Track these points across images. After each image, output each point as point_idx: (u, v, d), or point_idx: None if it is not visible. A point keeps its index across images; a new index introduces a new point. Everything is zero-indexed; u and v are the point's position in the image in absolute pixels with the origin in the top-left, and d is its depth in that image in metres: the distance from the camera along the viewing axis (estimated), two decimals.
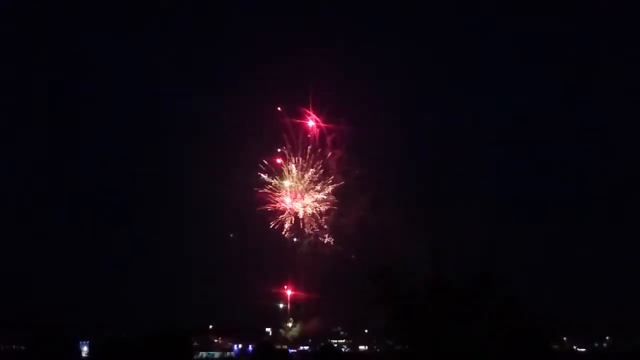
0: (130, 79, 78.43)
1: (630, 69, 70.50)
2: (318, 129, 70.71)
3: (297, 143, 70.87)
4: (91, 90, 76.72)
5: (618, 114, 71.69)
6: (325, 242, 70.85)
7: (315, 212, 71.46)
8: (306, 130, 71.18)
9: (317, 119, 70.48)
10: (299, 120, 70.64)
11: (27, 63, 72.54)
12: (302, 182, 71.47)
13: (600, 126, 72.10)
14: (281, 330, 71.33)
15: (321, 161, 71.09)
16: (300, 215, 71.65)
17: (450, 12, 74.52)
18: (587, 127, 72.18)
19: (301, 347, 67.67)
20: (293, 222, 71.54)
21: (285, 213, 71.46)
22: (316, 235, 71.13)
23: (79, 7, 74.66)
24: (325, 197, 71.19)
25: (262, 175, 70.87)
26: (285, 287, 71.58)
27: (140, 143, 74.57)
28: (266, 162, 71.28)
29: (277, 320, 72.52)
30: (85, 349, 48.56)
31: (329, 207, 71.24)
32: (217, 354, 62.68)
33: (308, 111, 70.37)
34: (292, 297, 71.80)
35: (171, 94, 74.99)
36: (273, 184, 71.25)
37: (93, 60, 76.83)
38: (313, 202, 71.66)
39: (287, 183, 71.77)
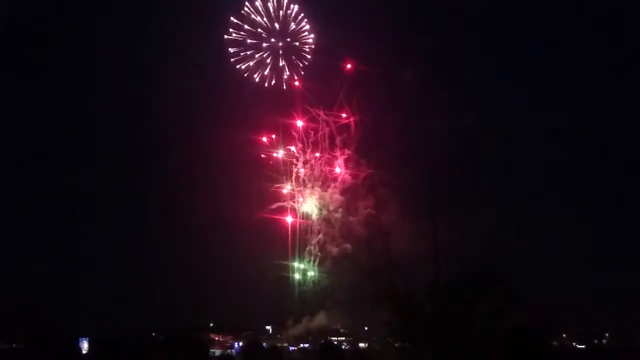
0: (130, 70, 78.06)
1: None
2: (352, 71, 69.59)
3: (306, 142, 71.25)
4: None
5: (619, 113, 71.82)
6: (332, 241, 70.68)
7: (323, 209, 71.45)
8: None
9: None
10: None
11: None
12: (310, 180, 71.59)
13: (601, 125, 72.20)
14: (289, 323, 71.29)
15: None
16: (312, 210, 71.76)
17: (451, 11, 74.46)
18: (588, 127, 72.34)
19: (301, 345, 67.81)
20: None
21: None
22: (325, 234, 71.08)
23: None
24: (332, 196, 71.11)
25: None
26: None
27: (140, 143, 74.55)
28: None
29: (279, 317, 72.65)
30: (85, 345, 48.63)
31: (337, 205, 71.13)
32: (217, 352, 62.72)
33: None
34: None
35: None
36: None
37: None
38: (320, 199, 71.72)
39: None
